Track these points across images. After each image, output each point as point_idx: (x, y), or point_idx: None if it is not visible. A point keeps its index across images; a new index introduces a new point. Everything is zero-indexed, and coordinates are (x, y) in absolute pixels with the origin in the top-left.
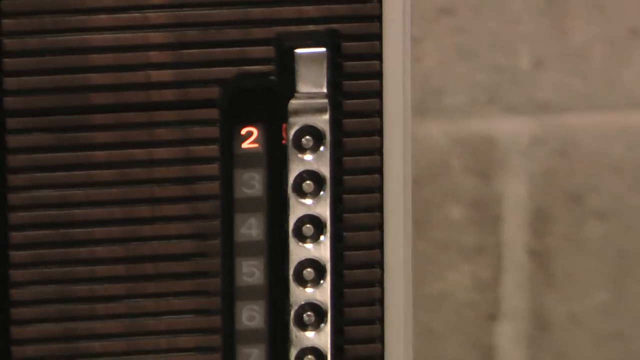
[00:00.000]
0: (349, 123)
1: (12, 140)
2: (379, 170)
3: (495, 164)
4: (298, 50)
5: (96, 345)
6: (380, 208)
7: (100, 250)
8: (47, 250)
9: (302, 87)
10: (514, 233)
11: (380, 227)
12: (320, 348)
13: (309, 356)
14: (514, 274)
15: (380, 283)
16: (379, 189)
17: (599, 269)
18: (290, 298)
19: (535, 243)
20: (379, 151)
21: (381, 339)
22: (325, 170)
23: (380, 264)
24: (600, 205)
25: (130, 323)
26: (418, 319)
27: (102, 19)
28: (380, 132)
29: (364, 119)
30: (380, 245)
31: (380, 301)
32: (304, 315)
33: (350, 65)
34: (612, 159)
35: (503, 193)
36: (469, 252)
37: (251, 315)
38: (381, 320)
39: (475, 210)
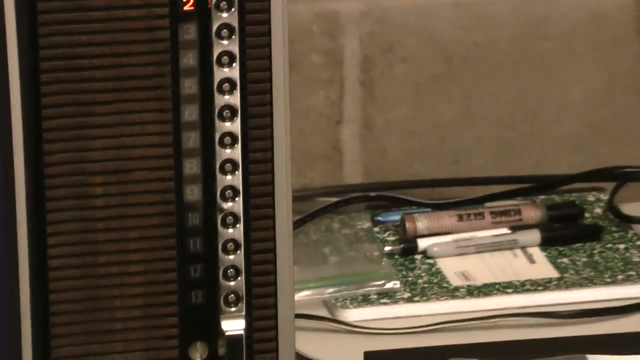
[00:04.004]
0: None
1: None
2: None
3: (339, 28)
4: None
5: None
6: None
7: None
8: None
9: None
10: (351, 71)
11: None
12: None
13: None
14: (351, 96)
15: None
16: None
17: (402, 93)
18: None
19: (364, 76)
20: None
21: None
22: None
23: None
24: (404, 53)
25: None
26: (294, 126)
27: None
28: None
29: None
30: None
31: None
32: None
33: None
34: (410, 25)
35: (344, 46)
36: (323, 82)
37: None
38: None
39: (327, 57)
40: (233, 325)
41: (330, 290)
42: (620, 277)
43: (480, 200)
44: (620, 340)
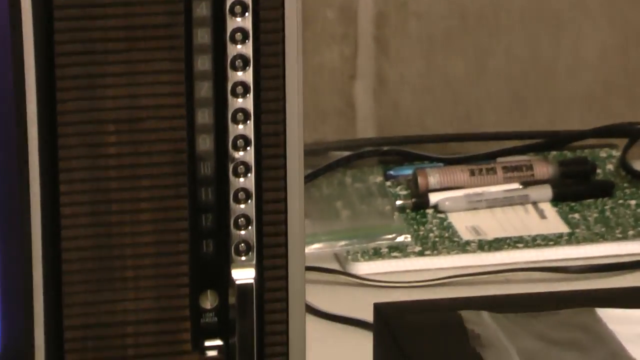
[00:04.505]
0: None
1: None
2: None
3: None
4: None
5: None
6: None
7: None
8: None
9: None
10: (365, 26)
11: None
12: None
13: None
14: (365, 52)
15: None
16: None
17: (416, 48)
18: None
19: (378, 32)
20: None
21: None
22: None
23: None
24: (418, 9)
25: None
26: (307, 81)
27: None
28: None
29: None
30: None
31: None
32: None
33: None
34: None
35: (358, 1)
36: (337, 38)
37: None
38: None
39: (341, 12)
40: (243, 274)
41: (342, 243)
42: (631, 233)
43: (492, 156)
44: (629, 295)
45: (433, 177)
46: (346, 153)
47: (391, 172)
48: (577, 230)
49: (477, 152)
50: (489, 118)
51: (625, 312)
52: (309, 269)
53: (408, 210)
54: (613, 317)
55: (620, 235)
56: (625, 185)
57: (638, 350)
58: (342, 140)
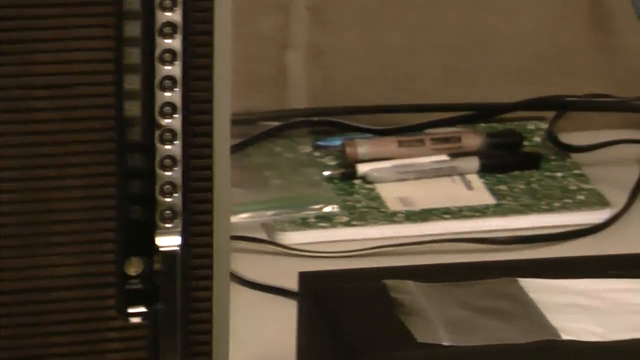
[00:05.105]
0: None
1: None
2: None
3: None
4: None
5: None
6: None
7: None
8: None
9: None
10: None
11: None
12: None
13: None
14: (298, 21)
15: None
16: None
17: (351, 18)
18: None
19: (311, 2)
20: None
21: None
22: None
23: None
24: None
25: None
26: (239, 50)
27: None
28: None
29: None
30: None
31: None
32: None
33: None
34: None
35: None
36: (270, 6)
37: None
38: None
39: None
40: (169, 241)
41: (270, 213)
42: (556, 204)
43: (421, 127)
44: (551, 265)
45: (362, 148)
46: (277, 123)
47: (320, 143)
48: (504, 202)
49: (410, 123)
50: (423, 90)
51: (547, 282)
52: (236, 238)
53: (336, 181)
54: (535, 287)
55: (546, 207)
56: (552, 157)
57: (558, 318)
58: (273, 110)
